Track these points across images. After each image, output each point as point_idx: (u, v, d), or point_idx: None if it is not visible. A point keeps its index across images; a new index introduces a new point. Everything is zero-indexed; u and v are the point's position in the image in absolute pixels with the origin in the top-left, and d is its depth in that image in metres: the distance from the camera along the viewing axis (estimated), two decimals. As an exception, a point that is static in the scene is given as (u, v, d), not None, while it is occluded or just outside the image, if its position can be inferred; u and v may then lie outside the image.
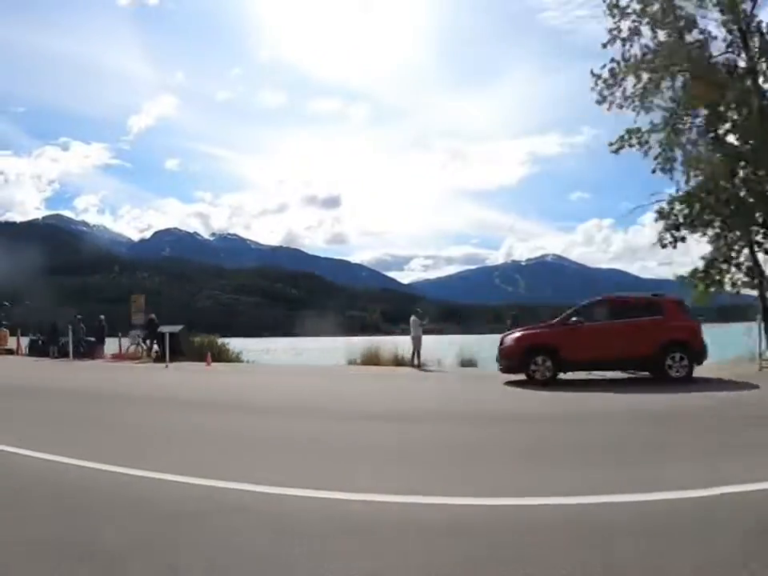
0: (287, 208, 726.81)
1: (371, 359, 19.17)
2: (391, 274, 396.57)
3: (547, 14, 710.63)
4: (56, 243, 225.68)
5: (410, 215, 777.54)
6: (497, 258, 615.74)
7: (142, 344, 23.20)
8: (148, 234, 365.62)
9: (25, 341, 26.82)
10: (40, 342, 25.48)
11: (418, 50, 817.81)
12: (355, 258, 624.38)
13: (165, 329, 21.50)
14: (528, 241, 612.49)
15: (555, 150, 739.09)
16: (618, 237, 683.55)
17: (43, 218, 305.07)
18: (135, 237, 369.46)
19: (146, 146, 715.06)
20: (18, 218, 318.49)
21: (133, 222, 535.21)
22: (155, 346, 22.66)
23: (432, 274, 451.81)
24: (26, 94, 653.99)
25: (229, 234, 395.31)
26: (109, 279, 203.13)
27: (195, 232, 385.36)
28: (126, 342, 24.26)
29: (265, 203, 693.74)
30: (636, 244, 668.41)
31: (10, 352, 26.23)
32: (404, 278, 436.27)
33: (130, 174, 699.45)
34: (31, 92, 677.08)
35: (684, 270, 19.33)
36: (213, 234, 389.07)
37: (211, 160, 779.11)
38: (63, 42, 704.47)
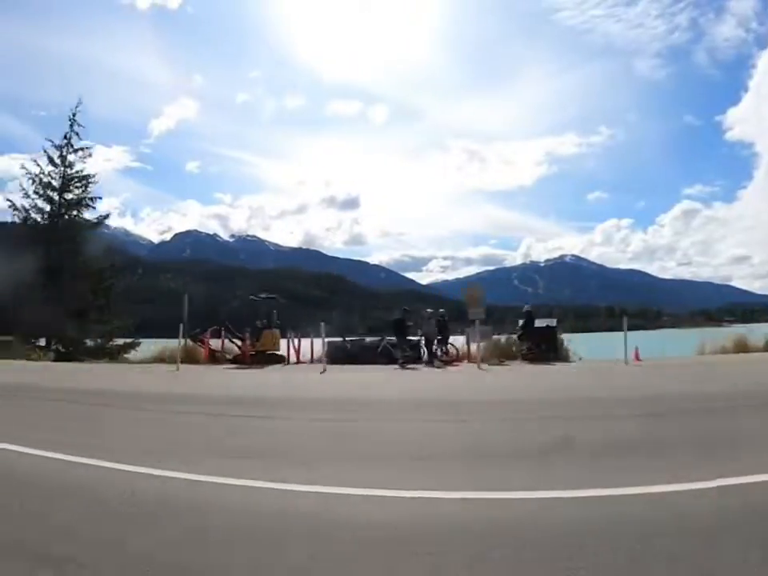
0: (306, 209, 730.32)
1: (740, 347, 18.27)
2: (410, 275, 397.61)
3: (563, 13, 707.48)
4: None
5: (427, 216, 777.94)
6: (515, 258, 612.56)
7: (521, 342, 18.85)
8: (168, 236, 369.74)
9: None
10: (347, 345, 19.96)
11: (435, 51, 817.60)
12: (373, 259, 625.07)
13: (540, 322, 18.97)
14: (546, 241, 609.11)
15: (572, 150, 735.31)
16: (637, 237, 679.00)
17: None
18: (155, 239, 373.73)
19: (166, 148, 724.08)
20: (40, 220, 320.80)
21: (153, 224, 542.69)
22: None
23: (450, 275, 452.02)
24: (46, 98, 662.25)
25: (248, 235, 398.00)
26: (133, 281, 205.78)
27: (215, 233, 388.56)
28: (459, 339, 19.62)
29: (284, 204, 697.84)
30: (655, 244, 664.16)
31: (280, 359, 19.87)
32: (422, 278, 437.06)
33: (150, 176, 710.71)
34: (52, 96, 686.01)
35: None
36: (232, 236, 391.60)
37: (231, 162, 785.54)
38: (84, 47, 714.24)
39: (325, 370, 16.02)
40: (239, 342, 19.84)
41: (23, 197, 28.34)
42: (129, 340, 27.62)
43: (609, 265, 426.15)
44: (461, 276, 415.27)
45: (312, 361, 19.81)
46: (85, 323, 26.90)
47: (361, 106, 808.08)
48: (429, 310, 20.06)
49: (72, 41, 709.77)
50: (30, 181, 28.32)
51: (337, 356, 18.89)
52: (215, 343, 19.93)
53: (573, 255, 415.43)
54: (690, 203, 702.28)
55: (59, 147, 28.82)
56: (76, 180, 28.81)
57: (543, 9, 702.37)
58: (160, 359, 19.68)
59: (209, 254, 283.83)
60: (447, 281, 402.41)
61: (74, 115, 29.17)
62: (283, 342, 20.73)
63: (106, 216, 30.07)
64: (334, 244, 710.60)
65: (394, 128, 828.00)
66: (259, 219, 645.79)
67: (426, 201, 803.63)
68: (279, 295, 23.64)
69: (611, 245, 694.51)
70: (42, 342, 25.97)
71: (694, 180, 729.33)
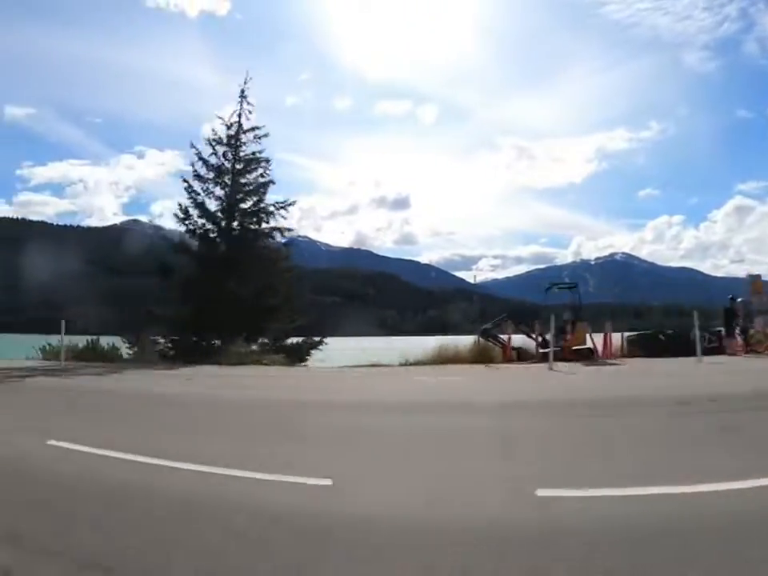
0: (357, 210, 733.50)
1: None
2: (460, 274, 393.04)
3: (609, 7, 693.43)
4: (134, 247, 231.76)
5: (477, 215, 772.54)
6: (565, 256, 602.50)
7: None
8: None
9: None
10: (663, 337, 18.17)
11: (482, 49, 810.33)
12: (424, 258, 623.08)
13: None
14: (597, 239, 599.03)
15: (622, 145, 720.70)
16: (689, 234, 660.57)
17: (121, 222, 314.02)
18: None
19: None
20: (97, 222, 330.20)
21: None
22: None
23: (501, 274, 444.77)
24: (102, 106, 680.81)
25: (300, 235, 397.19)
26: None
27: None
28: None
29: (335, 205, 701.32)
30: (707, 241, 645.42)
31: (589, 355, 17.41)
32: (473, 277, 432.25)
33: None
34: (107, 103, 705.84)
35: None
36: (284, 236, 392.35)
37: (282, 164, 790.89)
38: (136, 55, 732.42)
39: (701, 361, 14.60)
40: (536, 337, 18.30)
41: (194, 178, 25.18)
42: (316, 338, 24.70)
43: (660, 263, 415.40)
44: (511, 275, 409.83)
45: (611, 355, 18.16)
46: (271, 321, 24.01)
47: (409, 105, 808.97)
48: (741, 299, 19.50)
49: (122, 49, 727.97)
50: (201, 162, 25.34)
51: (649, 349, 17.91)
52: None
53: (623, 253, 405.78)
54: (743, 199, 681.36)
55: (229, 126, 25.77)
56: (252, 162, 25.68)
57: (588, 3, 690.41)
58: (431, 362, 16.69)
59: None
60: (497, 279, 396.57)
61: (242, 92, 25.91)
62: None
63: (292, 203, 25.60)
64: (384, 244, 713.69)
65: (443, 127, 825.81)
66: (311, 220, 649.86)
67: (476, 199, 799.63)
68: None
69: (662, 242, 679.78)
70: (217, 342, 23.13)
71: (746, 175, 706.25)
